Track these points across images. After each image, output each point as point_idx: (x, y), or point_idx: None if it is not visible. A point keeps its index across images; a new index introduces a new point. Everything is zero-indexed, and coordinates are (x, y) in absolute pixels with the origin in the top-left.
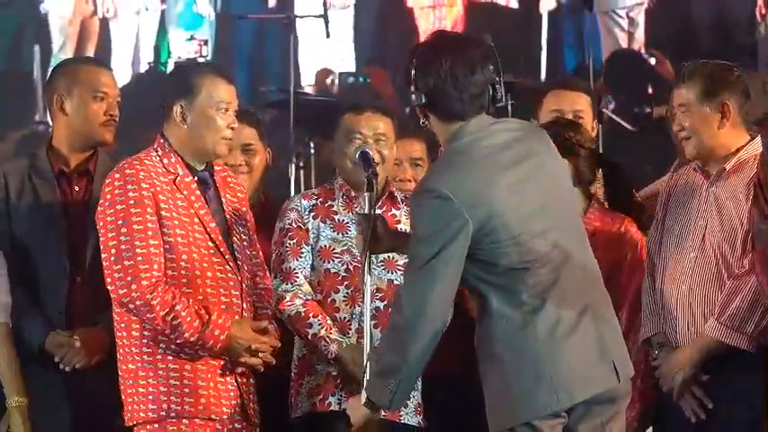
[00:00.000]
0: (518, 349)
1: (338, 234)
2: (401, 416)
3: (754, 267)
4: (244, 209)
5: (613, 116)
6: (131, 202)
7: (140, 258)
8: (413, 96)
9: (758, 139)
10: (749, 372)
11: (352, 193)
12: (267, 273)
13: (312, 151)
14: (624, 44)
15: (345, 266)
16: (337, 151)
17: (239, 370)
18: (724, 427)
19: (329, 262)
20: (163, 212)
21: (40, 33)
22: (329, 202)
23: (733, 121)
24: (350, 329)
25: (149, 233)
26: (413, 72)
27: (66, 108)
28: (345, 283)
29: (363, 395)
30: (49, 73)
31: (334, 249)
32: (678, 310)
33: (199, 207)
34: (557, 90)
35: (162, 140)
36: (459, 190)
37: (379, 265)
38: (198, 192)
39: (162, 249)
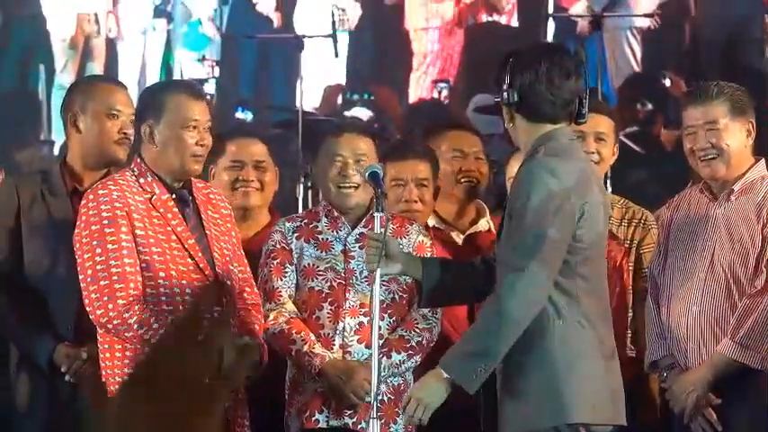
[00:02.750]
0: (575, 352)
1: (321, 252)
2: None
3: None
4: (228, 225)
5: (623, 138)
6: (105, 222)
7: (116, 278)
8: (505, 94)
9: (762, 162)
10: (761, 393)
11: (335, 213)
12: (255, 288)
13: None
14: (632, 64)
15: (329, 283)
16: (320, 174)
17: None
18: None
19: (313, 280)
20: (137, 231)
21: (47, 53)
22: (314, 223)
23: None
24: (333, 345)
25: (124, 252)
26: (509, 70)
27: (80, 125)
28: (329, 299)
29: (443, 372)
30: (66, 91)
31: (317, 267)
32: (688, 332)
33: (176, 224)
34: None
35: (138, 160)
36: (573, 179)
37: (363, 280)
38: (176, 209)
39: (138, 268)
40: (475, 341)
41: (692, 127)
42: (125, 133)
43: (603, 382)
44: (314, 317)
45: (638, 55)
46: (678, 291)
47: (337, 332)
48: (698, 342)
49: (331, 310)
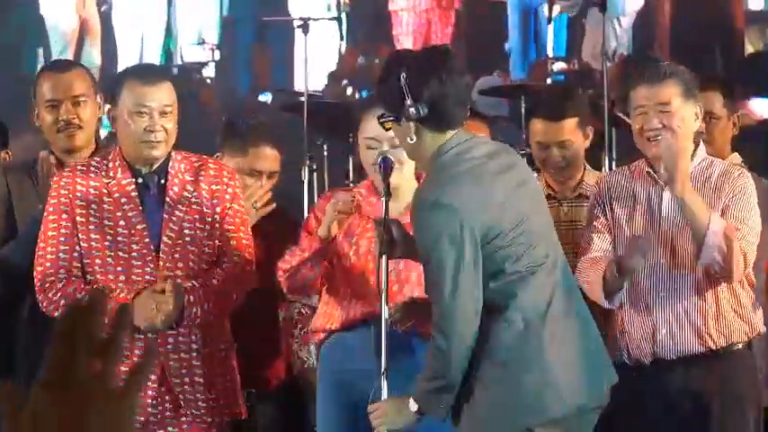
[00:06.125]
0: (526, 354)
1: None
2: None
3: None
4: (214, 201)
5: (624, 117)
6: (50, 209)
7: (49, 265)
8: (410, 110)
9: (702, 146)
10: (746, 372)
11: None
12: (234, 262)
13: (325, 154)
14: (618, 50)
15: None
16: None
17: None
18: (724, 425)
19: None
20: (78, 218)
21: (43, 37)
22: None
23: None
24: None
25: (61, 239)
26: (406, 82)
27: (35, 115)
28: None
29: (413, 404)
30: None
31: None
32: (658, 319)
33: (128, 209)
34: (537, 119)
35: (117, 144)
36: (458, 198)
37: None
38: (134, 194)
39: (72, 255)
40: (433, 378)
41: (642, 107)
42: (63, 120)
43: (546, 378)
44: None
45: (623, 38)
46: (639, 281)
47: None
48: (669, 327)
49: None
